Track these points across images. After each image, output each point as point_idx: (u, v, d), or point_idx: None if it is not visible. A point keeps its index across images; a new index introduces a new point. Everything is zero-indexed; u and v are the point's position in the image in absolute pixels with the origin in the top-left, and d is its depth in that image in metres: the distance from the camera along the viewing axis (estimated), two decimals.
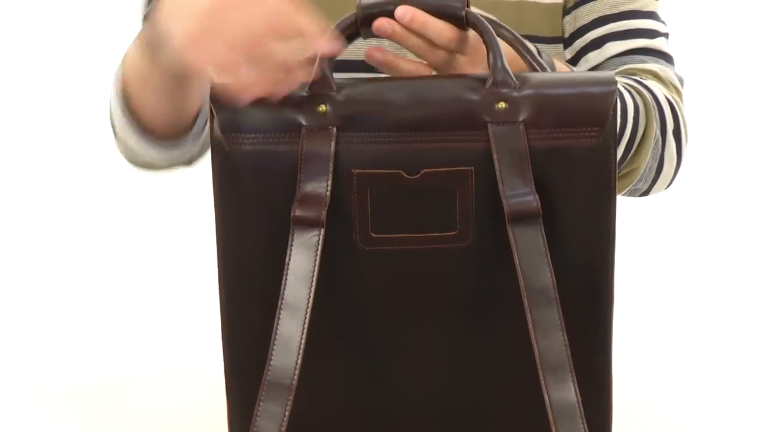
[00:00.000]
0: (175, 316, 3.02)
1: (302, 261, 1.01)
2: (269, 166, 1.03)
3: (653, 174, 1.34)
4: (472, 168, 1.02)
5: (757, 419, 1.31)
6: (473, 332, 1.05)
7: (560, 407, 0.98)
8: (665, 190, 1.39)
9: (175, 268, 3.07)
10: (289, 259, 1.01)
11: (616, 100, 1.03)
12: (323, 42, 1.01)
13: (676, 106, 1.33)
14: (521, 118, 1.02)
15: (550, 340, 0.99)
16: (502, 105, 1.03)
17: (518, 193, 1.01)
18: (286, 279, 1.01)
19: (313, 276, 1.00)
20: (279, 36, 0.98)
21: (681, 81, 1.38)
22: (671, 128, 1.32)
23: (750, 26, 3.23)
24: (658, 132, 1.31)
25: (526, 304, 0.98)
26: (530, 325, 0.98)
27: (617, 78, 1.28)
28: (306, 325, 1.00)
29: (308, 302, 1.00)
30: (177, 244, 2.97)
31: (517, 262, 0.99)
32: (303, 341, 1.00)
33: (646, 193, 1.37)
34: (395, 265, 1.04)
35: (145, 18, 1.15)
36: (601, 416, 1.05)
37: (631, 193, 1.37)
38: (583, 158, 1.02)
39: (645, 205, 3.08)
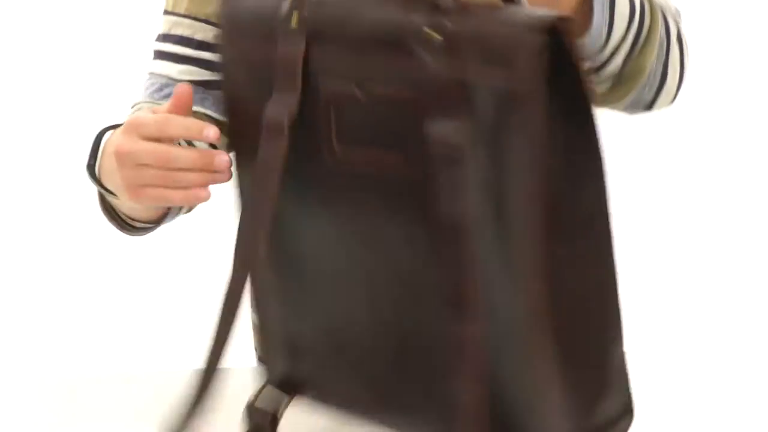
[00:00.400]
0: (174, 317, 3.02)
1: (269, 166, 1.05)
2: (255, 72, 1.09)
3: (657, 81, 1.33)
4: (419, 95, 1.00)
5: (758, 419, 1.31)
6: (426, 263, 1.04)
7: (455, 342, 0.97)
8: (669, 105, 1.37)
9: (175, 269, 3.06)
10: (260, 160, 1.05)
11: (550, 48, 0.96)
12: (207, 132, 1.07)
13: (678, 18, 1.34)
14: (451, 48, 0.98)
15: (458, 274, 0.98)
16: (432, 33, 1.00)
17: (443, 125, 0.98)
18: (254, 175, 1.06)
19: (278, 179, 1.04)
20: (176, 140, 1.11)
21: (678, 13, 1.38)
22: (674, 33, 1.32)
23: (750, 26, 3.23)
24: (663, 33, 1.31)
25: (444, 237, 0.98)
26: (445, 259, 0.99)
27: None
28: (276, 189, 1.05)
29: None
30: (177, 244, 2.96)
31: (436, 195, 0.98)
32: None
33: (649, 106, 1.36)
34: (357, 185, 1.05)
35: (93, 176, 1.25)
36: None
37: (634, 107, 1.35)
38: (510, 99, 0.96)
39: (646, 204, 3.07)
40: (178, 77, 1.41)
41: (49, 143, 3.08)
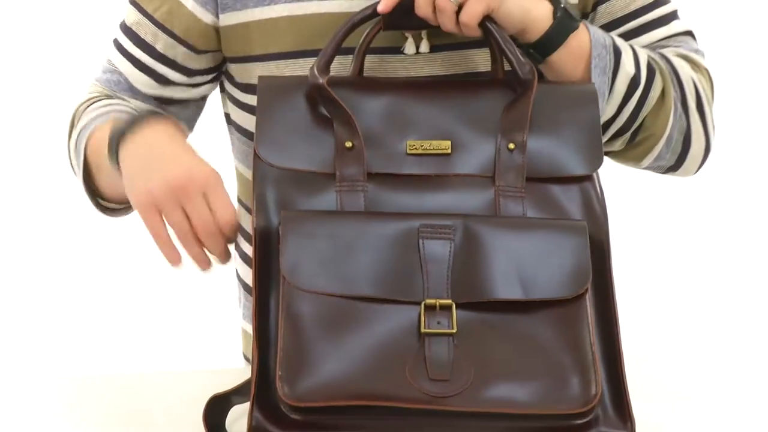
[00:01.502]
0: (175, 318, 3.02)
1: None
2: None
3: (680, 148, 1.36)
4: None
5: (759, 419, 1.31)
6: None
7: None
8: (695, 173, 1.40)
9: (174, 271, 3.06)
10: None
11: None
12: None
13: (699, 86, 1.36)
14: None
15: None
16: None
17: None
18: None
19: None
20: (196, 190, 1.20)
21: (703, 56, 1.41)
22: (693, 103, 1.35)
23: (750, 26, 3.23)
24: (679, 103, 1.34)
25: None
26: None
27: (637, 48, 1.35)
28: None
29: None
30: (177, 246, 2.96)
31: None
32: None
33: (674, 169, 1.39)
34: None
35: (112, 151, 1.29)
36: None
37: (657, 168, 1.39)
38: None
39: (647, 206, 3.07)
40: (137, 86, 1.42)
41: (49, 143, 3.08)
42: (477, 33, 1.25)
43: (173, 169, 1.20)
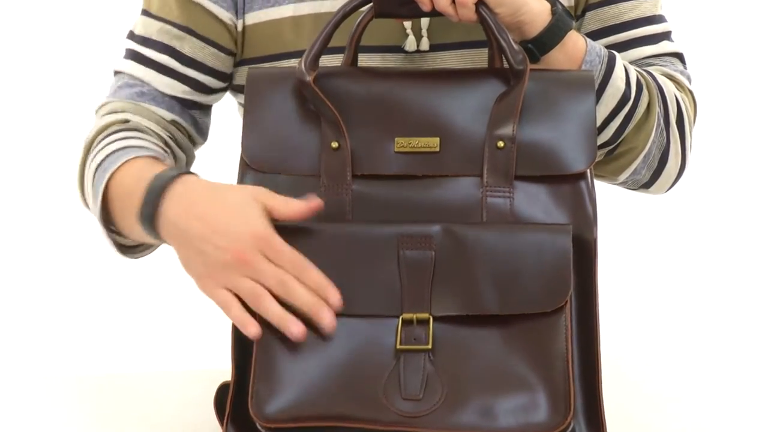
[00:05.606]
0: (174, 318, 3.02)
1: None
2: None
3: (656, 164, 1.36)
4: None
5: (757, 419, 1.31)
6: None
7: None
8: (665, 192, 1.39)
9: (175, 270, 3.06)
10: None
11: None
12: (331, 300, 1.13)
13: (683, 104, 1.36)
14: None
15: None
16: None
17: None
18: None
19: None
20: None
21: (689, 79, 1.40)
22: (674, 120, 1.35)
23: (750, 26, 3.23)
24: (662, 119, 1.33)
25: None
26: None
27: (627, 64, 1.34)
28: None
29: None
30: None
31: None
32: None
33: (647, 185, 1.39)
34: None
35: (146, 214, 1.23)
36: None
37: (632, 183, 1.39)
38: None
39: (644, 205, 3.08)
40: (164, 90, 1.38)
41: (48, 143, 3.08)
42: (473, 15, 1.23)
43: (219, 246, 1.15)
